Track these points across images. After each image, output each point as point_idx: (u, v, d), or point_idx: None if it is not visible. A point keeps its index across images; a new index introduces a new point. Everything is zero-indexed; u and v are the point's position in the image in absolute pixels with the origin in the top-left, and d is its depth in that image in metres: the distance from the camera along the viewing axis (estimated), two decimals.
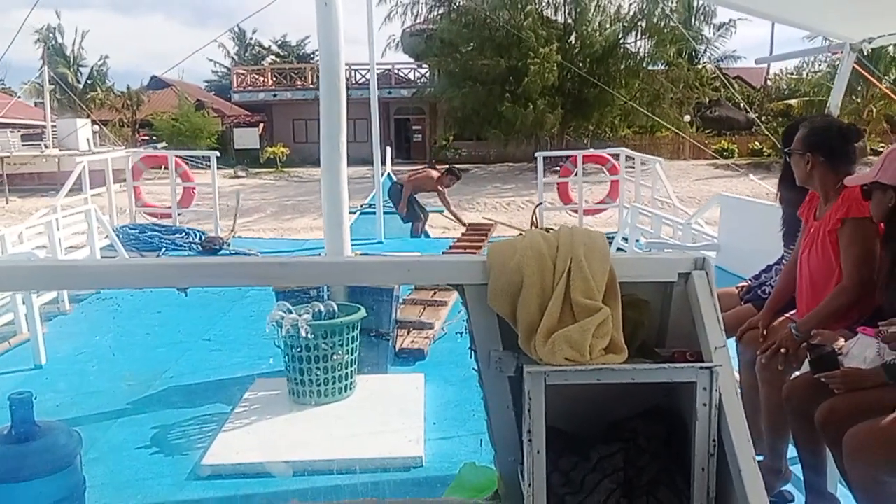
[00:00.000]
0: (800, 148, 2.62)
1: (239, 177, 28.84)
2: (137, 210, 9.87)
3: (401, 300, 4.99)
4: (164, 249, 8.35)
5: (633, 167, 9.94)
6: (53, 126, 28.47)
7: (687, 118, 30.97)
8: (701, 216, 7.52)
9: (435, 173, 10.41)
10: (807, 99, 28.09)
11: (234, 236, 9.76)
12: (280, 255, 2.25)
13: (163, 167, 10.14)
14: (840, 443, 2.01)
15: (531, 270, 1.72)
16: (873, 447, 1.90)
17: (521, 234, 1.94)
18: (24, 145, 26.97)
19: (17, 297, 4.88)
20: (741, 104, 28.71)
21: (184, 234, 8.89)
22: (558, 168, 11.37)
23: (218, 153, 10.37)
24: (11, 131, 27.43)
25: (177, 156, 10.22)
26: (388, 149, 11.05)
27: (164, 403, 3.91)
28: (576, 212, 10.39)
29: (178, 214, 9.62)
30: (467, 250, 7.63)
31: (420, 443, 3.27)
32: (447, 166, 11.09)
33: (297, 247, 10.20)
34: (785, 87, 33.66)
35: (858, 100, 27.05)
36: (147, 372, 4.35)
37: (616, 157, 10.48)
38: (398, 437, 3.32)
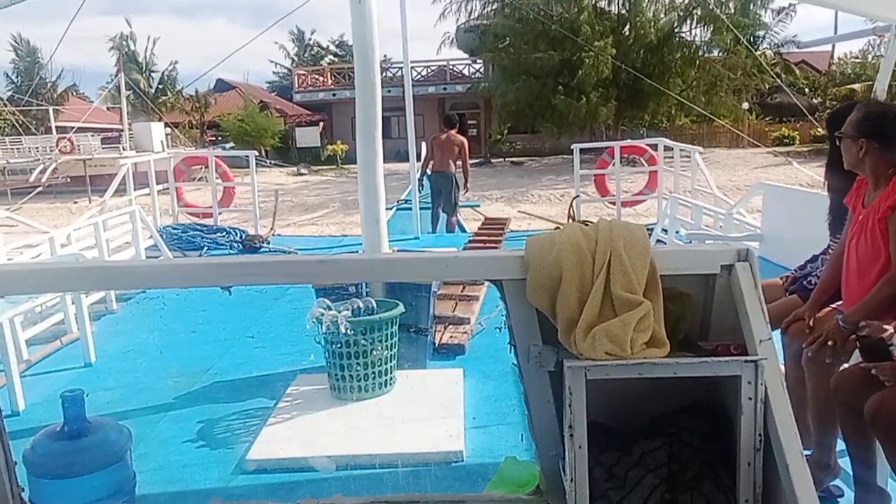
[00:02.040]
0: (853, 132, 2.54)
1: (302, 174, 29.70)
2: (179, 210, 10.07)
3: None
4: (205, 248, 8.50)
5: (675, 157, 9.78)
6: (130, 130, 30.34)
7: (745, 106, 30.46)
8: (743, 205, 7.38)
9: (452, 137, 9.68)
10: (871, 83, 27.28)
11: (273, 234, 9.89)
12: (319, 253, 2.28)
13: (203, 167, 10.31)
14: (892, 436, 1.96)
15: (570, 264, 1.70)
16: None
17: (558, 228, 1.92)
18: (103, 148, 28.93)
19: (66, 298, 5.02)
20: (804, 90, 27.96)
21: (225, 233, 9.04)
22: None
23: (256, 153, 10.49)
24: (92, 135, 29.46)
25: (217, 156, 10.38)
26: (424, 144, 10.81)
27: (210, 399, 3.99)
28: (613, 203, 10.28)
29: (219, 214, 9.79)
30: (486, 244, 7.63)
31: (460, 437, 3.28)
32: (447, 115, 10.72)
33: (335, 244, 10.30)
34: (850, 71, 32.74)
35: None
36: (192, 368, 4.45)
37: (654, 147, 10.32)
38: (439, 431, 3.34)
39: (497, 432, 3.43)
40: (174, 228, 9.03)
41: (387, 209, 7.03)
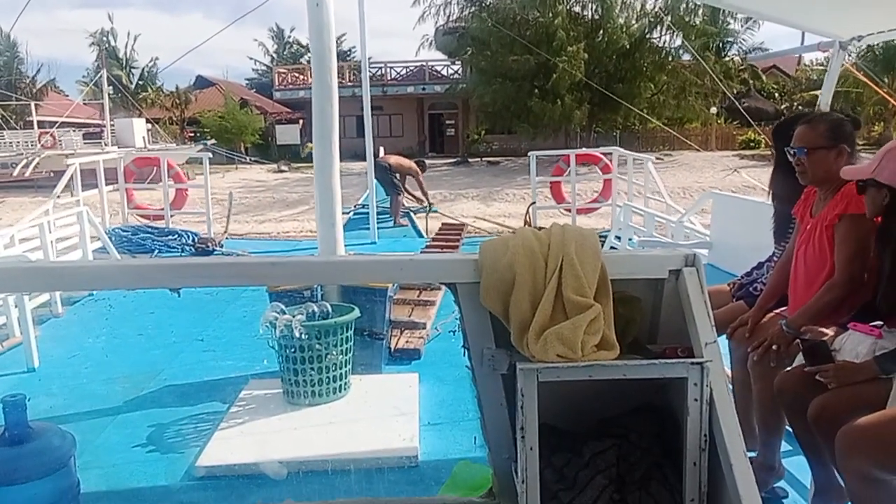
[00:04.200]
0: (829, 142, 2.55)
1: (282, 171, 29.85)
2: (130, 212, 9.84)
3: None
4: (156, 251, 8.33)
5: (629, 166, 9.95)
6: (112, 125, 30.31)
7: (713, 110, 31.38)
8: (694, 213, 7.54)
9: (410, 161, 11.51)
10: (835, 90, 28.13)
11: (227, 237, 9.73)
12: (272, 255, 2.25)
13: (155, 169, 10.10)
14: (833, 437, 2.01)
15: (523, 268, 1.72)
16: (866, 447, 1.90)
17: (513, 232, 1.94)
18: (85, 143, 28.53)
19: (9, 301, 4.86)
20: (774, 95, 28.80)
21: (176, 235, 8.86)
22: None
23: (210, 154, 10.32)
24: (74, 130, 29.52)
25: (169, 158, 10.18)
26: (381, 150, 11.49)
27: (159, 404, 3.91)
28: (569, 211, 10.41)
29: (171, 216, 9.61)
30: (443, 249, 7.67)
31: (415, 441, 3.27)
32: (418, 160, 12.27)
33: (290, 247, 10.19)
34: (815, 77, 33.86)
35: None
36: (141, 373, 4.35)
37: (609, 155, 10.48)
38: (393, 436, 3.33)
39: (452, 436, 3.44)
40: (123, 230, 8.82)
41: (343, 213, 7.01)
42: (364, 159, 9.97)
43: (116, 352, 4.82)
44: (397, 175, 10.92)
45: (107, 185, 9.16)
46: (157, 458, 3.29)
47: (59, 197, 8.11)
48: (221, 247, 8.89)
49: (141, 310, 5.70)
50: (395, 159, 11.18)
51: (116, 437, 3.49)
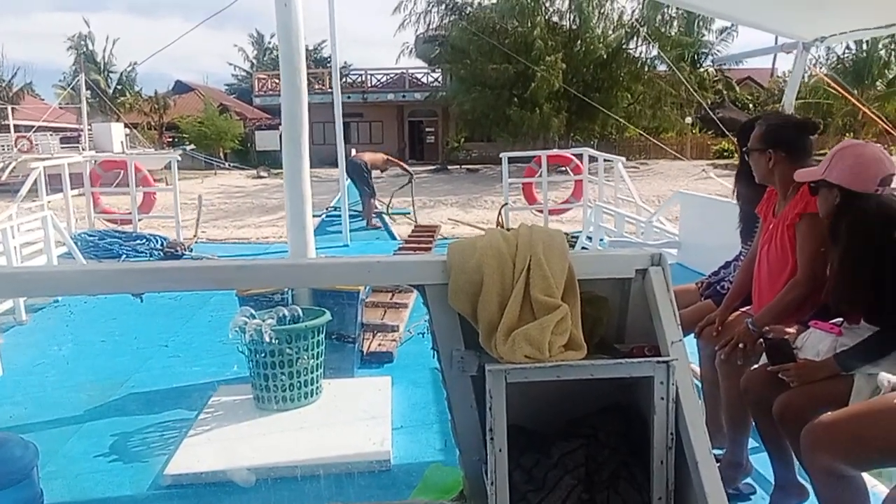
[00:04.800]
0: (760, 145, 2.64)
1: (261, 177, 29.82)
2: (96, 216, 9.67)
3: None
4: (123, 256, 8.20)
5: (599, 167, 10.02)
6: (89, 130, 30.11)
7: (689, 120, 31.89)
8: (664, 214, 7.62)
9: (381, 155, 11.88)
10: (803, 101, 28.65)
11: (196, 242, 9.61)
12: (239, 259, 2.22)
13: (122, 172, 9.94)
14: (798, 434, 2.04)
15: (491, 269, 1.72)
16: (830, 443, 1.92)
17: (482, 234, 1.94)
18: (62, 148, 28.13)
19: None
20: (749, 105, 29.32)
21: (144, 240, 8.73)
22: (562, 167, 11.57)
23: (178, 157, 10.19)
24: (51, 135, 29.04)
25: (136, 161, 10.04)
26: (353, 150, 11.86)
27: (125, 412, 3.84)
28: (541, 212, 10.46)
29: (139, 220, 9.47)
30: (416, 251, 7.67)
31: (387, 445, 3.26)
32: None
33: (260, 251, 10.10)
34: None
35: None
36: (108, 381, 4.27)
37: (580, 156, 10.56)
38: (364, 440, 3.31)
39: (425, 439, 3.43)
40: (90, 235, 8.67)
41: (315, 216, 6.96)
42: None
43: (81, 359, 4.73)
44: (372, 174, 11.00)
45: (73, 189, 9.00)
46: (122, 467, 3.23)
47: (34, 200, 7.94)
48: (190, 251, 8.78)
49: (106, 316, 5.60)
50: (369, 156, 11.26)
51: (81, 447, 3.42)
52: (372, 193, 11.01)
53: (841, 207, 2.25)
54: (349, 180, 10.65)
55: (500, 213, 10.25)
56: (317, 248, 4.62)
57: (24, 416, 3.74)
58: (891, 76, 29.95)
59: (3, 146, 28.51)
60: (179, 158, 10.23)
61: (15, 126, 30.73)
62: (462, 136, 35.03)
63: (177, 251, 8.53)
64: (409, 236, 9.50)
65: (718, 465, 2.57)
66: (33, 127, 28.39)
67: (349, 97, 34.05)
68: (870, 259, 2.15)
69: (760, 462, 2.72)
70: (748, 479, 2.80)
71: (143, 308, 5.37)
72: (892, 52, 29.62)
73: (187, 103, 38.58)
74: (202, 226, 10.75)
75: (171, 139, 36.40)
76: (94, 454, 3.33)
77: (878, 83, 30.12)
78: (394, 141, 37.00)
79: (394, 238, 10.25)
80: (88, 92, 32.36)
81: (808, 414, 2.06)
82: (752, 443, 2.73)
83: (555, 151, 11.91)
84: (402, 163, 12.25)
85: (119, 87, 41.06)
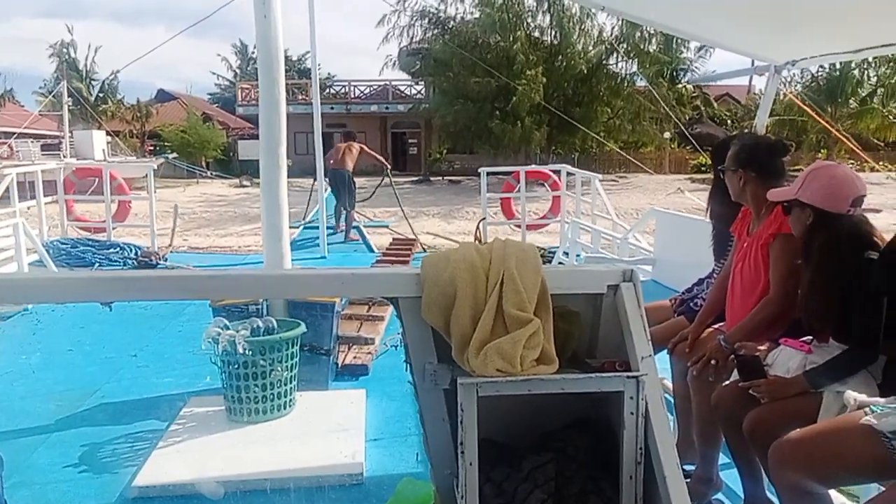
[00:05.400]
0: (732, 165, 2.69)
1: (244, 186, 29.78)
2: (69, 224, 9.55)
3: None
4: (96, 265, 8.09)
5: (576, 183, 10.10)
6: (70, 137, 30.11)
7: (667, 135, 32.37)
8: (639, 230, 7.70)
9: (351, 145, 11.21)
10: (778, 118, 29.11)
11: (171, 251, 9.51)
12: (213, 269, 2.19)
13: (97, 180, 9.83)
14: (768, 451, 2.06)
15: (464, 283, 1.73)
16: (797, 460, 1.94)
17: (456, 247, 1.95)
18: (43, 155, 28.23)
19: None
20: (727, 121, 29.84)
21: (118, 248, 8.63)
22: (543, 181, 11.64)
23: (155, 166, 10.12)
24: (32, 142, 29.44)
25: (112, 169, 9.94)
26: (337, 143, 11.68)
27: (94, 423, 3.78)
28: (519, 227, 10.52)
29: (113, 229, 9.36)
30: (393, 264, 7.68)
31: (359, 458, 3.24)
32: (346, 131, 12.48)
33: (236, 261, 10.02)
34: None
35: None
36: (77, 391, 4.21)
37: (557, 173, 10.64)
38: (337, 453, 3.28)
39: (398, 452, 3.42)
40: (63, 243, 8.55)
41: (293, 227, 6.92)
42: (326, 176, 9.99)
43: (50, 369, 4.65)
44: (356, 184, 10.95)
45: (47, 196, 8.89)
46: (89, 478, 3.17)
47: (6, 208, 7.83)
48: (165, 260, 8.69)
49: (75, 325, 5.52)
50: (349, 159, 10.92)
51: (47, 457, 3.36)
52: (353, 205, 10.94)
53: (814, 227, 2.29)
54: (329, 190, 10.62)
55: (477, 228, 10.28)
56: (293, 260, 4.61)
57: None
58: (864, 94, 30.55)
59: None
60: (156, 167, 10.16)
61: None
62: (444, 147, 35.35)
63: (150, 260, 8.44)
64: (387, 249, 9.50)
65: (689, 480, 2.60)
66: (13, 134, 28.29)
67: (332, 108, 34.21)
68: (841, 278, 2.19)
69: (730, 478, 2.74)
70: (718, 495, 2.82)
71: (113, 317, 5.30)
72: (865, 72, 30.26)
73: (170, 112, 38.63)
74: (184, 233, 10.67)
75: (153, 147, 36.43)
76: (61, 465, 3.28)
77: (851, 101, 30.73)
78: (377, 152, 37.01)
79: (372, 250, 10.24)
80: (70, 99, 32.35)
81: (778, 430, 2.09)
82: (722, 458, 2.75)
83: (533, 167, 11.99)
84: (375, 153, 11.99)
85: (101, 94, 40.97)
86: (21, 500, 2.85)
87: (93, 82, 41.16)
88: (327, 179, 10.57)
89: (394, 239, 10.71)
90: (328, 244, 9.44)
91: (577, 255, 8.05)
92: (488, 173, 10.14)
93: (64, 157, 27.59)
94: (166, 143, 34.67)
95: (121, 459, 3.36)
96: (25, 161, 24.93)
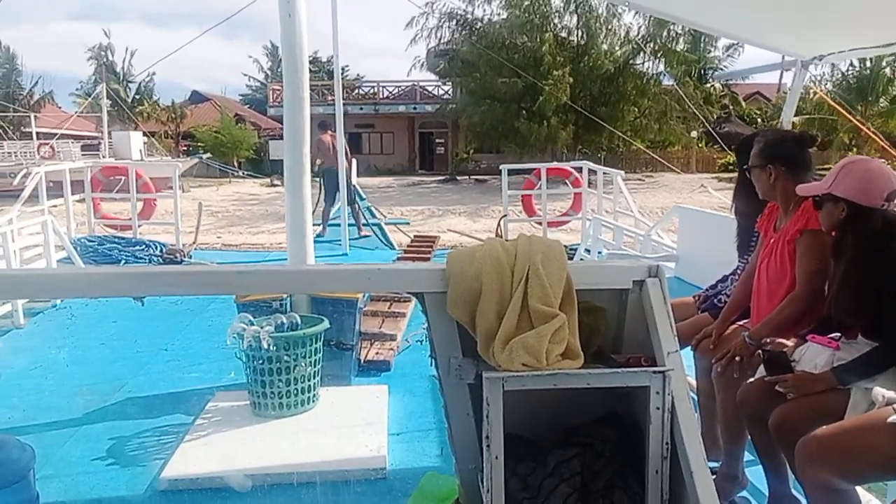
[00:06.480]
0: (759, 161, 2.66)
1: (275, 185, 30.32)
2: (96, 222, 9.69)
3: None
4: (122, 262, 8.21)
5: (598, 180, 10.04)
6: (109, 138, 31.21)
7: (694, 134, 32.28)
8: (662, 227, 7.64)
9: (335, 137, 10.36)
10: (808, 116, 28.71)
11: (195, 249, 9.62)
12: (238, 265, 2.21)
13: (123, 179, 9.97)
14: (794, 447, 2.05)
15: (489, 278, 1.74)
16: (824, 457, 1.93)
17: (481, 243, 1.96)
18: (83, 155, 29.06)
19: None
20: (757, 120, 29.65)
21: (144, 246, 8.74)
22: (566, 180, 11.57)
23: (180, 164, 10.23)
24: (73, 142, 30.62)
25: (138, 168, 10.08)
26: (354, 161, 11.54)
27: (123, 416, 3.84)
28: (540, 224, 10.48)
29: (139, 226, 9.49)
30: (415, 261, 7.69)
31: (383, 453, 3.26)
32: (322, 120, 11.37)
33: (260, 258, 10.11)
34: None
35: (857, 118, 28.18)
36: (105, 385, 4.27)
37: (579, 170, 10.59)
38: (360, 447, 3.31)
39: (421, 447, 3.44)
40: (89, 241, 8.67)
41: (315, 225, 6.97)
42: (363, 175, 9.99)
43: (79, 363, 4.74)
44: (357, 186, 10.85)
45: (75, 194, 9.03)
46: (118, 470, 3.23)
47: (48, 205, 7.98)
48: (190, 257, 8.79)
49: (105, 320, 5.61)
50: (354, 179, 10.79)
51: (78, 450, 3.42)
52: (333, 202, 10.71)
53: (847, 221, 2.26)
54: (323, 191, 10.58)
55: (498, 225, 10.26)
56: (316, 257, 4.64)
57: (22, 418, 3.75)
58: (894, 93, 30.08)
59: (25, 153, 29.59)
60: (182, 168, 10.28)
61: (36, 133, 31.74)
62: (471, 147, 35.81)
63: (175, 257, 8.54)
64: (408, 246, 9.52)
65: (714, 477, 2.59)
66: (55, 134, 29.37)
67: (361, 108, 34.61)
68: (874, 272, 2.16)
69: (756, 475, 2.72)
70: (743, 493, 2.81)
71: (142, 312, 5.40)
72: None
73: (203, 113, 39.77)
74: (218, 231, 10.78)
75: (186, 147, 37.48)
76: (90, 457, 3.33)
77: (881, 100, 30.28)
78: (404, 152, 37.77)
79: (392, 247, 10.27)
80: (108, 101, 33.30)
81: (804, 427, 2.07)
82: (747, 456, 2.74)
83: (554, 164, 11.92)
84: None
85: (137, 96, 42.34)
86: (52, 492, 2.90)
87: (129, 84, 42.65)
88: (324, 178, 10.52)
89: (415, 236, 10.72)
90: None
91: (599, 252, 8.01)
92: (510, 171, 10.11)
93: (103, 156, 28.75)
94: (200, 144, 35.55)
95: (149, 452, 3.42)
96: (67, 161, 25.90)
